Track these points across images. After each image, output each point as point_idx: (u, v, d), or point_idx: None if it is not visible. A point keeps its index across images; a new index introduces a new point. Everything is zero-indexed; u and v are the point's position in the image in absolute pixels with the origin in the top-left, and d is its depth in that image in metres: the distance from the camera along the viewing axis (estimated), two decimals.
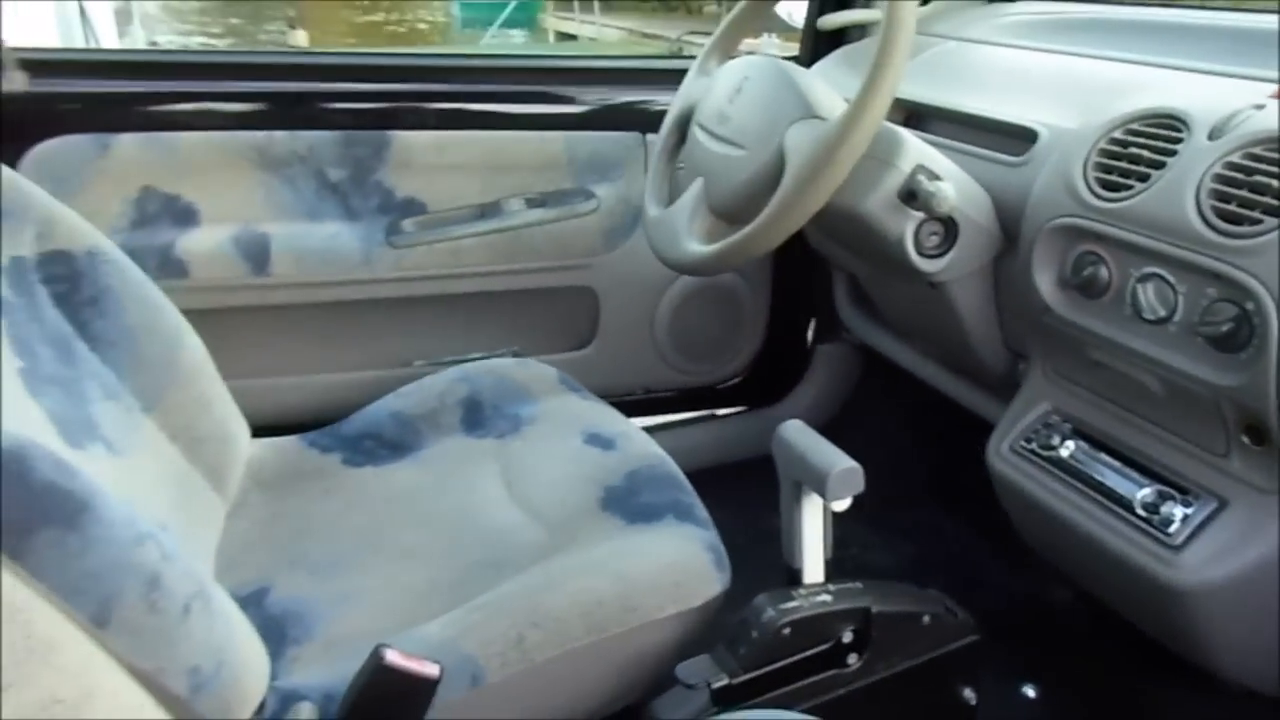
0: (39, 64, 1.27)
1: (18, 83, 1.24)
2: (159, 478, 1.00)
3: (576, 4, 12.55)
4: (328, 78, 1.46)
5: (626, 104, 1.51)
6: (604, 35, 12.54)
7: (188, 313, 1.11)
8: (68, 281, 1.01)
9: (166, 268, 1.31)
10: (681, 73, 1.25)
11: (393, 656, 0.76)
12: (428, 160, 1.42)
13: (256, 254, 1.36)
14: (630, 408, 1.32)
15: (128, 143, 1.30)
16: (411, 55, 1.70)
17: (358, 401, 1.28)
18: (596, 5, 12.49)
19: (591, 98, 1.50)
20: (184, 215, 1.34)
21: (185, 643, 0.71)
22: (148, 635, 0.67)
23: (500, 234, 1.44)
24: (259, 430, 1.18)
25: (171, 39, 11.82)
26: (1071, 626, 1.34)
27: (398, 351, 1.50)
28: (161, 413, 1.04)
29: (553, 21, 13.82)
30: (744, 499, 1.20)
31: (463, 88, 1.50)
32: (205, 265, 1.34)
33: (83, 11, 3.41)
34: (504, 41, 13.73)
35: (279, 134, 1.35)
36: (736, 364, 1.69)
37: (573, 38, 13.56)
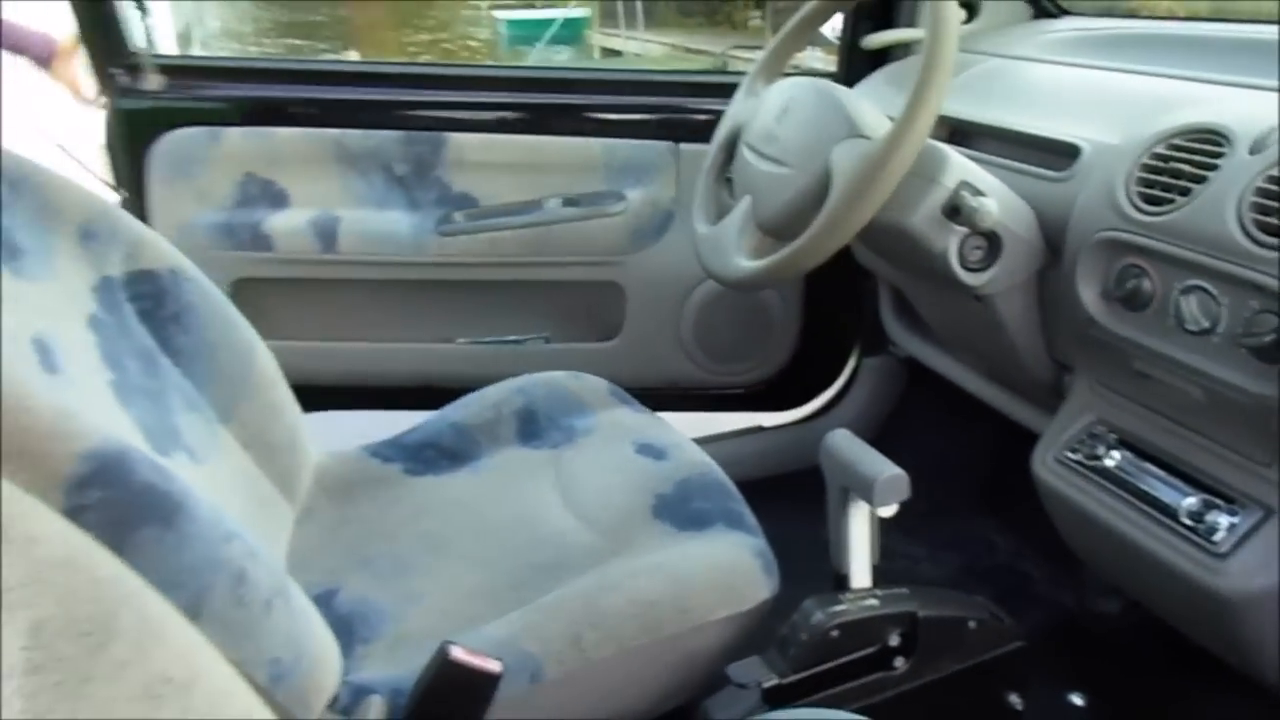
0: (170, 68, 1.52)
1: (154, 83, 1.51)
2: (234, 485, 1.06)
3: (622, 21, 12.68)
4: (395, 85, 1.64)
5: (660, 115, 1.61)
6: (648, 51, 12.64)
7: (270, 280, 1.42)
8: (152, 299, 1.07)
9: (256, 241, 1.54)
10: (713, 86, 1.36)
11: (458, 652, 0.80)
12: (479, 159, 1.56)
13: (326, 233, 1.55)
14: (655, 400, 1.39)
15: (234, 135, 1.53)
16: (466, 66, 1.94)
17: (403, 370, 1.53)
18: (641, 21, 12.60)
19: (628, 107, 1.61)
20: (276, 198, 1.56)
21: (267, 636, 0.75)
22: (234, 628, 0.72)
23: (534, 229, 1.57)
24: (311, 389, 1.28)
25: (238, 50, 12.19)
26: (1118, 637, 1.34)
27: (442, 328, 1.65)
28: (237, 423, 1.10)
29: (598, 38, 13.96)
30: (789, 509, 1.23)
31: (510, 97, 1.63)
32: (285, 240, 1.55)
33: (147, 33, 3.57)
34: (549, 59, 13.92)
35: (353, 132, 1.54)
36: (764, 370, 1.74)
37: (618, 54, 13.68)
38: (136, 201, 1.54)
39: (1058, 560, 1.45)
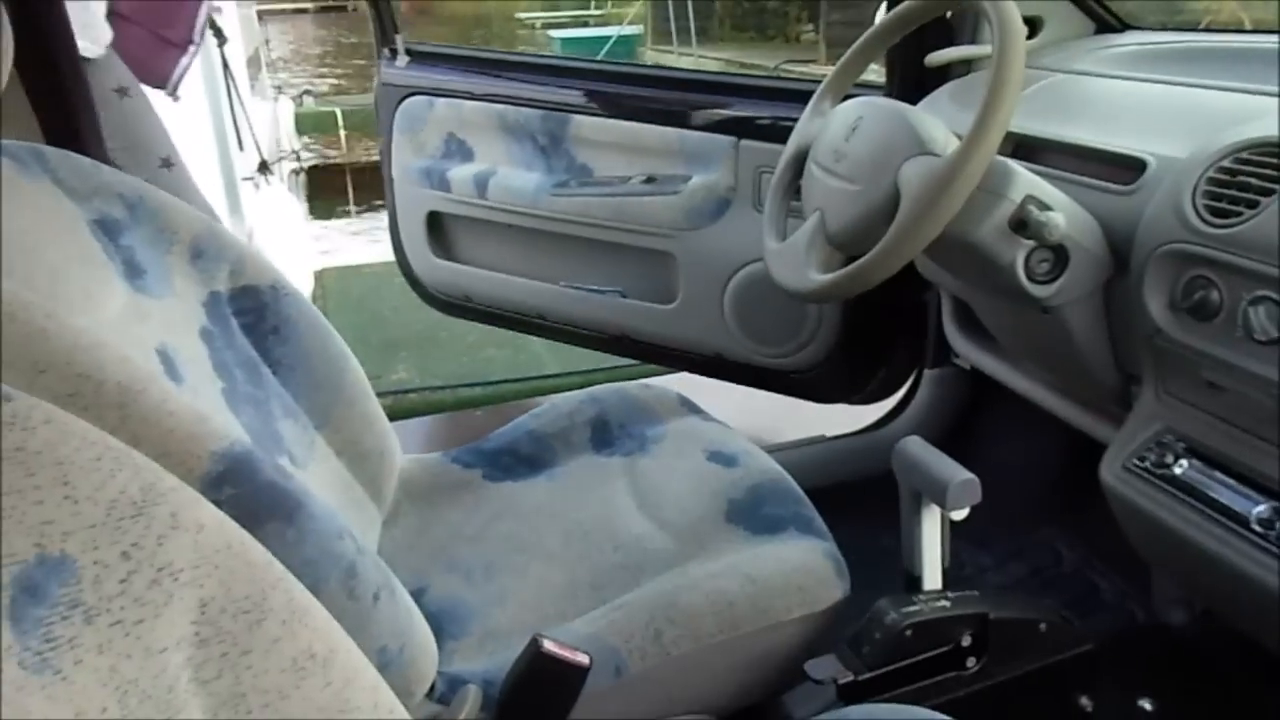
0: (414, 53, 2.06)
1: (401, 63, 2.06)
2: (329, 489, 1.12)
3: (675, 36, 12.77)
4: (536, 72, 2.00)
5: (727, 113, 1.79)
6: (702, 67, 12.71)
7: (448, 215, 2.06)
8: (254, 313, 1.14)
9: (441, 184, 2.00)
10: (771, 89, 1.66)
11: (549, 645, 0.85)
12: (593, 138, 1.87)
13: (481, 184, 1.96)
14: (703, 367, 1.71)
15: (441, 105, 1.99)
16: (585, 60, 2.28)
17: (524, 301, 2.03)
18: (694, 37, 12.68)
19: (701, 104, 1.82)
20: (466, 154, 2.01)
21: (375, 626, 0.81)
22: (347, 618, 0.77)
23: (613, 198, 1.85)
24: (458, 304, 2.17)
25: (295, 80, 12.56)
26: (1187, 646, 1.34)
27: (552, 270, 2.00)
28: (331, 430, 1.16)
29: (652, 54, 14.08)
30: (853, 517, 1.26)
31: (615, 88, 1.92)
32: (458, 185, 1.99)
33: (225, 62, 3.72)
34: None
35: (510, 108, 1.93)
36: (801, 357, 1.84)
37: None
38: (387, 148, 2.08)
39: (1125, 570, 1.46)
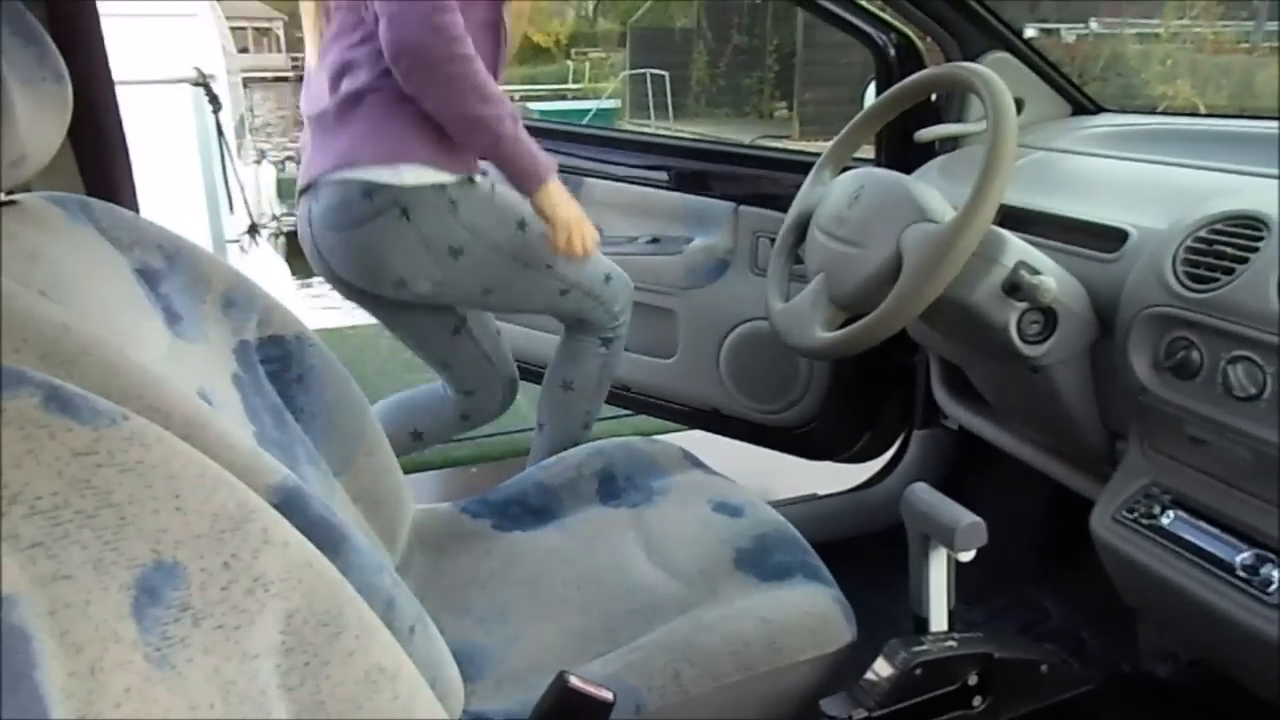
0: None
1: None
2: None
3: (652, 111, 13.11)
4: (551, 137, 2.00)
5: (728, 180, 1.92)
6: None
7: None
8: (279, 361, 1.18)
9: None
10: (769, 160, 1.79)
11: (575, 681, 0.88)
12: (604, 200, 1.97)
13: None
14: (700, 420, 1.79)
15: None
16: (598, 128, 2.43)
17: (520, 348, 1.93)
18: (670, 111, 13.03)
19: (704, 172, 1.94)
20: None
21: (412, 659, 0.84)
22: None
23: (619, 257, 1.84)
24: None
25: (273, 144, 12.72)
26: (1177, 696, 1.38)
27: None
28: (349, 477, 1.19)
29: (629, 128, 14.42)
30: (849, 572, 1.30)
31: (622, 155, 2.01)
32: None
33: (220, 127, 3.80)
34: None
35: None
36: (793, 414, 1.92)
37: None
38: None
39: (1111, 625, 1.51)
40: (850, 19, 1.68)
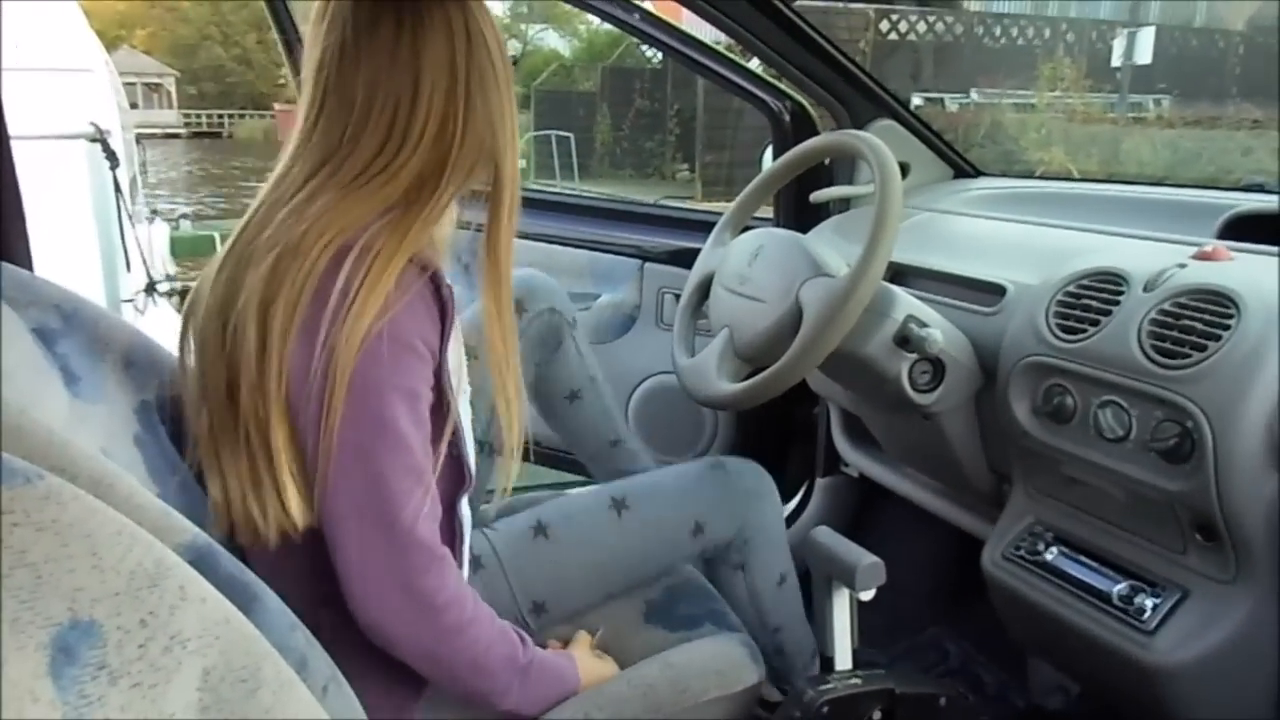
0: None
1: None
2: None
3: (558, 172, 13.27)
4: None
5: (633, 239, 1.97)
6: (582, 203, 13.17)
7: None
8: (181, 422, 1.16)
9: None
10: (673, 220, 1.87)
11: None
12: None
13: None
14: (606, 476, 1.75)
15: None
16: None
17: None
18: (576, 173, 13.20)
19: (610, 230, 1.98)
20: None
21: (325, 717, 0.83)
22: None
23: None
24: None
25: (161, 199, 12.44)
26: None
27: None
28: None
29: (535, 187, 14.54)
30: None
31: (529, 216, 1.96)
32: None
33: (117, 184, 3.73)
34: None
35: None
36: None
37: None
38: None
39: (1005, 663, 1.57)
40: (748, 87, 1.77)
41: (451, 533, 0.97)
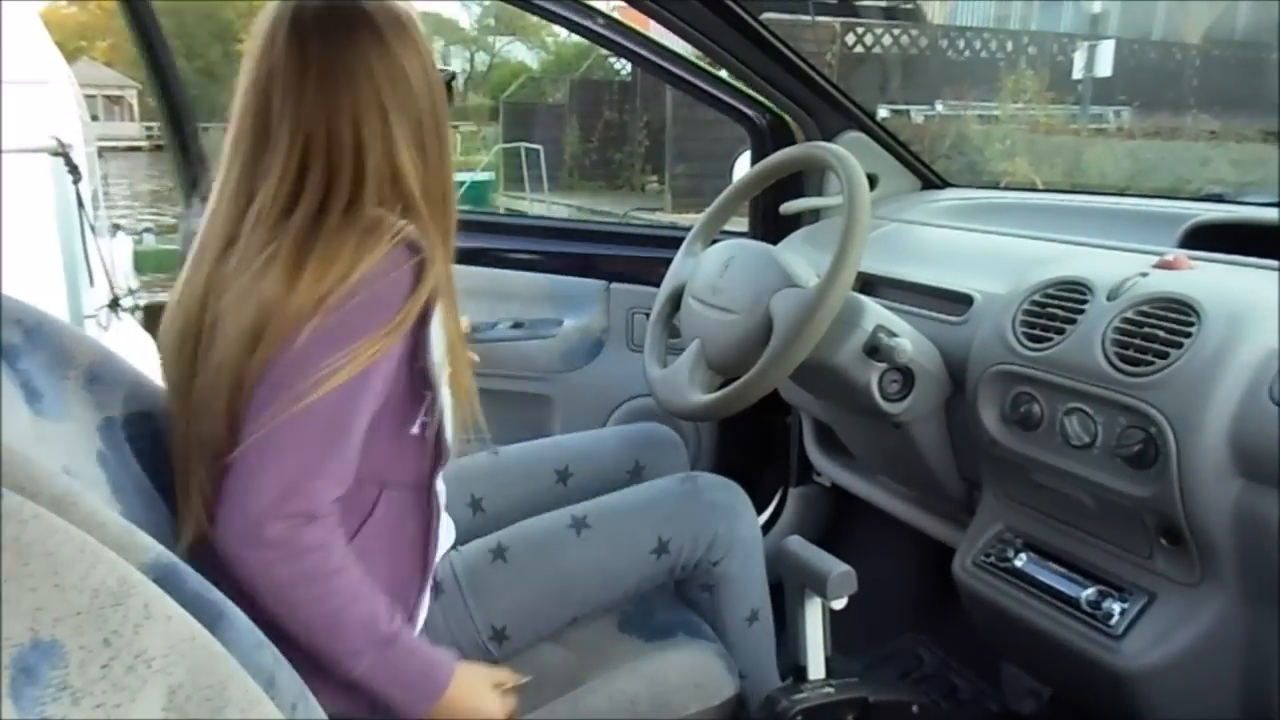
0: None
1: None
2: None
3: (527, 184, 13.24)
4: None
5: (597, 259, 1.91)
6: (554, 213, 13.17)
7: None
8: (148, 439, 1.14)
9: None
10: (637, 236, 1.80)
11: None
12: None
13: None
14: None
15: None
16: (465, 212, 2.28)
17: None
18: (545, 184, 13.19)
19: (570, 253, 1.92)
20: None
21: None
22: None
23: (483, 345, 1.78)
24: None
25: (123, 214, 12.29)
26: None
27: None
28: None
29: (504, 200, 14.49)
30: None
31: (480, 239, 1.93)
32: None
33: (80, 198, 3.69)
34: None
35: None
36: None
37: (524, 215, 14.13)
38: None
39: (979, 669, 1.58)
40: (727, 100, 1.78)
41: (428, 508, 1.01)
